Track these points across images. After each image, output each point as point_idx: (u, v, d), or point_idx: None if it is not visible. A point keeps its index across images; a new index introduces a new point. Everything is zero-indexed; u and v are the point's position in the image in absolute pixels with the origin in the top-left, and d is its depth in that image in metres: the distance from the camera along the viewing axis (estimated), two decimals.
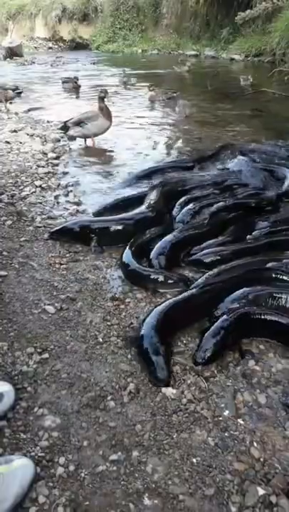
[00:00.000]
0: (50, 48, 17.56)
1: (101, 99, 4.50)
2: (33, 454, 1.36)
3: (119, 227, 2.70)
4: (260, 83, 8.01)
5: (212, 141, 4.81)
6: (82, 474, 1.32)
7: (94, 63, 12.66)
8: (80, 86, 8.12)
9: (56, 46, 17.75)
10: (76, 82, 8.16)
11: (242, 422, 1.52)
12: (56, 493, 1.26)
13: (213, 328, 1.80)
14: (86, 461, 1.36)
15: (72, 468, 1.33)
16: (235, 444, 1.44)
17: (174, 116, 6.09)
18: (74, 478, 1.30)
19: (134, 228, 2.69)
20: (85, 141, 4.75)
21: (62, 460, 1.35)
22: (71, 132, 4.71)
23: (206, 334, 1.79)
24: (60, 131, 4.97)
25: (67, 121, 4.76)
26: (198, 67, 11.27)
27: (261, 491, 1.30)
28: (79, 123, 4.62)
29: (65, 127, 4.80)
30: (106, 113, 4.55)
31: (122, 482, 1.30)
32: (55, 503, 1.23)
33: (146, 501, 1.25)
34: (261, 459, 1.40)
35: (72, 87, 8.14)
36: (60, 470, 1.32)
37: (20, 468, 1.26)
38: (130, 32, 16.36)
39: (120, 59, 14.17)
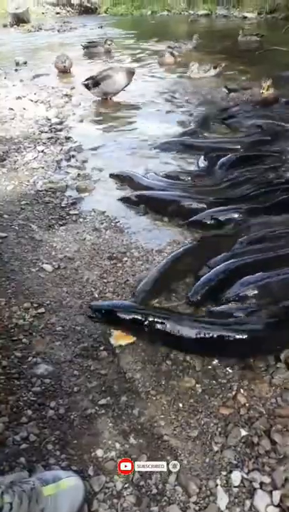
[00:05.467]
0: (57, 13, 17.03)
1: None
2: (25, 398, 1.43)
3: None
4: (273, 41, 7.69)
5: None
6: (72, 416, 1.38)
7: (101, 27, 12.29)
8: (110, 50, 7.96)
9: (64, 11, 17.21)
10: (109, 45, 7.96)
11: (230, 371, 1.55)
12: (46, 432, 1.33)
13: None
14: (75, 405, 1.42)
15: (62, 411, 1.40)
16: (222, 391, 1.49)
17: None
18: (64, 420, 1.37)
19: None
20: (106, 99, 4.85)
21: (53, 404, 1.42)
22: (91, 92, 4.84)
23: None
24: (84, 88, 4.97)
25: (88, 79, 4.83)
26: (209, 30, 10.82)
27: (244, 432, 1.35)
28: (97, 83, 4.72)
29: (87, 86, 4.87)
30: (124, 70, 4.69)
31: (110, 424, 1.36)
32: (44, 440, 1.30)
33: (132, 440, 1.31)
34: (246, 405, 1.44)
35: (104, 50, 7.94)
36: (51, 412, 1.39)
37: (70, 489, 1.11)
38: None
39: (128, 22, 13.73)
